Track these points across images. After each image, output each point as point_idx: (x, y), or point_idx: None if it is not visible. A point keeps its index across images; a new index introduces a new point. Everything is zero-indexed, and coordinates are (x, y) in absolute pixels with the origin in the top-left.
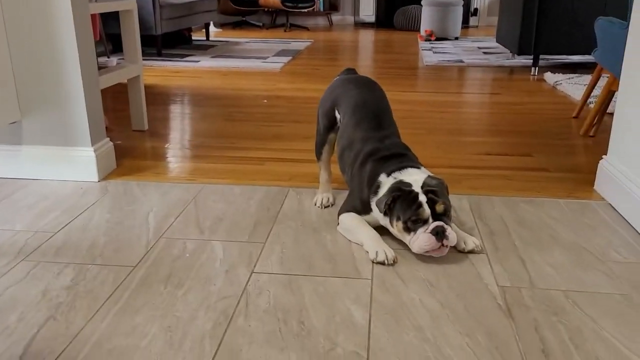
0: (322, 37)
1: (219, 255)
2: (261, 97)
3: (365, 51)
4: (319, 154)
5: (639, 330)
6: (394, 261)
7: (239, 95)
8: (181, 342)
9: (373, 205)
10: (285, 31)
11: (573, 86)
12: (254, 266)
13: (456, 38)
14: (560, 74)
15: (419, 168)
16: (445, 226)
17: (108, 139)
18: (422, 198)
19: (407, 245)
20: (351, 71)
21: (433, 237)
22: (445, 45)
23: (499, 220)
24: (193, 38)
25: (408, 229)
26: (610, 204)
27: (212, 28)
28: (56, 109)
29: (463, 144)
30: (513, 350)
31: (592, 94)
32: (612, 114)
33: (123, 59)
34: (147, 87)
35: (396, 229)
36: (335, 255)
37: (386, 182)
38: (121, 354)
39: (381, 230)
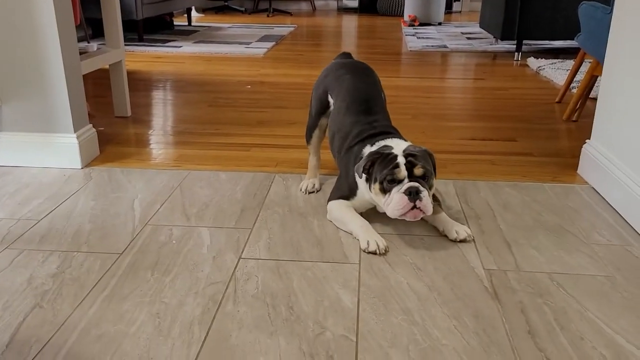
0: (305, 22)
1: (206, 241)
2: (245, 82)
3: (349, 36)
4: (309, 137)
5: (622, 311)
6: (385, 250)
7: (222, 81)
8: (170, 328)
9: (357, 180)
10: (268, 16)
11: (556, 71)
12: (242, 252)
13: (440, 23)
14: (543, 59)
15: (405, 140)
16: (421, 188)
17: (91, 125)
18: (401, 159)
19: (395, 230)
20: (347, 55)
21: (405, 197)
22: (429, 30)
23: (484, 204)
24: (175, 23)
25: (384, 190)
26: (593, 188)
27: (194, 13)
28: (37, 94)
29: (448, 129)
30: (500, 331)
31: (575, 79)
32: (594, 99)
33: (104, 44)
34: (129, 73)
35: (374, 192)
36: (322, 240)
37: (368, 151)
38: (110, 341)
39: (370, 217)
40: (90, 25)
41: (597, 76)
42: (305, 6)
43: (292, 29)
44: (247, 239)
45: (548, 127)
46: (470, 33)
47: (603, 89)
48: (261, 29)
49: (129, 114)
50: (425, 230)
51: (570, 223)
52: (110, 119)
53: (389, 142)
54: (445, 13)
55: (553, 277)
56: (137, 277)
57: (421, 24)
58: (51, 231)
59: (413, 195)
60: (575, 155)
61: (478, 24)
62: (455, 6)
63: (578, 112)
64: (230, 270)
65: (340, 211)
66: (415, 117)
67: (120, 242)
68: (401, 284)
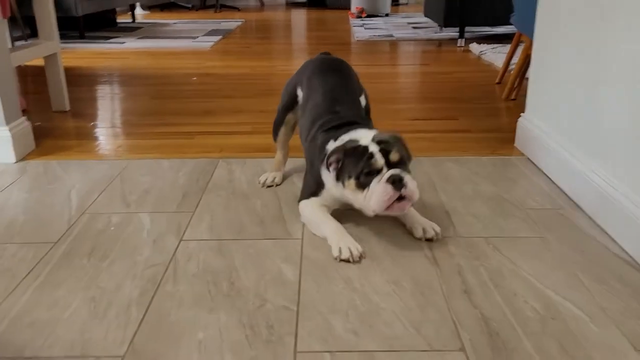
0: (254, 17)
1: (146, 226)
2: (190, 75)
3: (298, 29)
4: (275, 133)
5: (553, 268)
6: (360, 257)
7: (167, 74)
8: (106, 311)
9: (324, 177)
10: (215, 12)
11: (497, 55)
12: (183, 234)
13: (386, 15)
14: (485, 45)
15: (370, 129)
16: (403, 173)
17: (24, 118)
18: (374, 148)
19: (339, 205)
20: (326, 54)
21: (390, 186)
22: (376, 21)
23: (427, 178)
24: (118, 21)
25: (361, 185)
26: (528, 158)
27: (138, 10)
28: None
29: (393, 111)
30: (437, 292)
31: (512, 61)
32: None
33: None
34: (69, 69)
35: (349, 189)
36: (265, 218)
37: (333, 147)
38: (42, 327)
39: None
40: (28, 24)
41: (531, 55)
42: (253, 1)
43: (239, 23)
44: (189, 221)
45: (488, 106)
46: (416, 23)
47: (533, 64)
48: (208, 24)
49: (68, 108)
50: None
51: (506, 191)
52: (48, 114)
53: (352, 134)
54: (392, 5)
55: (489, 240)
56: (72, 264)
57: (368, 16)
58: None
59: (397, 183)
60: (513, 130)
61: (423, 14)
62: None
63: (516, 91)
64: (170, 253)
65: (312, 213)
66: (376, 102)
67: (55, 231)
68: None
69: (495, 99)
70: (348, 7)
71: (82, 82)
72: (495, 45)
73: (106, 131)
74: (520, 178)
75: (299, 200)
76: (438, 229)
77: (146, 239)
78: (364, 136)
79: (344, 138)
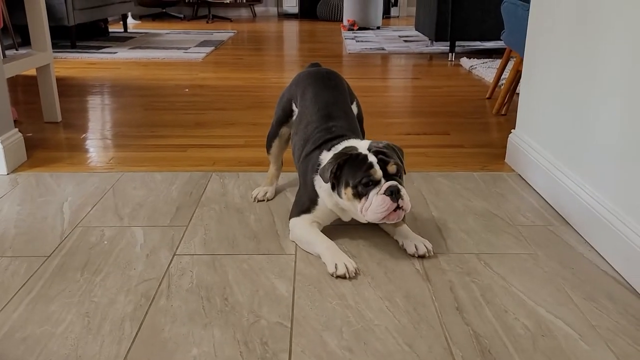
0: (245, 28)
1: (140, 240)
2: (182, 86)
3: (289, 41)
4: (269, 146)
5: (543, 285)
6: (355, 273)
7: (159, 85)
8: (100, 326)
9: (317, 188)
10: (207, 23)
11: (487, 70)
12: (176, 249)
13: (378, 28)
14: (476, 59)
15: (361, 139)
16: (399, 186)
17: (16, 129)
18: (372, 158)
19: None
20: (315, 65)
21: (387, 198)
22: (368, 34)
23: (418, 193)
24: (110, 30)
25: (359, 194)
26: (519, 174)
27: (130, 20)
28: None
29: (385, 125)
30: (429, 309)
31: (503, 76)
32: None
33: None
34: (61, 79)
35: (345, 197)
36: (259, 233)
37: (327, 156)
38: (35, 342)
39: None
40: (19, 32)
41: (521, 71)
42: (245, 12)
43: (232, 34)
44: (182, 236)
45: (479, 121)
46: (407, 36)
47: (524, 81)
48: (200, 35)
49: (60, 119)
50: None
51: (497, 207)
52: (40, 125)
53: (346, 143)
54: (383, 18)
55: (480, 257)
56: (65, 279)
57: (360, 29)
58: None
59: (395, 194)
60: (504, 146)
61: (414, 27)
62: (393, 11)
63: (506, 106)
64: (164, 267)
65: (303, 230)
66: (368, 115)
67: (47, 245)
68: None
69: (485, 114)
70: (340, 20)
71: (73, 92)
72: (486, 60)
73: (98, 143)
74: (511, 194)
75: (290, 218)
76: (430, 246)
77: (139, 253)
78: (359, 145)
79: (338, 147)
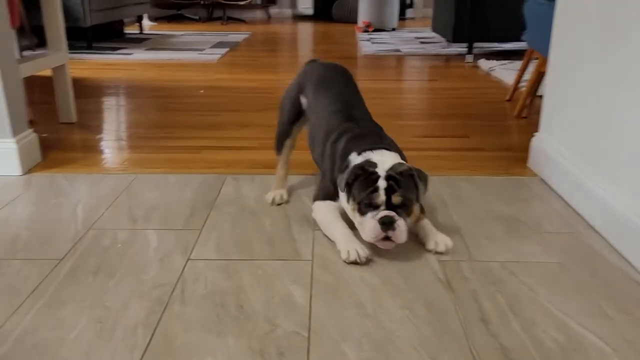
0: (260, 29)
1: (153, 243)
2: (197, 88)
3: (304, 42)
4: (280, 147)
5: (573, 295)
6: (367, 259)
7: (174, 86)
8: (112, 332)
9: (339, 186)
10: (222, 24)
11: (506, 71)
12: (190, 253)
13: (393, 29)
14: (494, 61)
15: (391, 152)
16: (396, 217)
17: (31, 130)
18: (382, 183)
19: (349, 224)
20: (314, 61)
21: (379, 226)
22: (383, 36)
23: (438, 197)
24: (126, 31)
25: (360, 211)
26: (542, 179)
27: (145, 21)
28: None
29: (402, 127)
30: (453, 320)
31: (523, 78)
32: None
33: None
34: (77, 80)
35: (350, 208)
36: (274, 238)
37: (356, 161)
38: (47, 348)
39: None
40: (36, 34)
41: (544, 73)
42: (260, 14)
43: (246, 35)
44: (196, 240)
45: (499, 124)
46: (423, 37)
47: (548, 82)
48: (215, 36)
49: (75, 119)
50: None
51: (521, 213)
52: (55, 125)
53: (375, 155)
54: (399, 19)
55: (505, 265)
56: (77, 282)
57: (375, 30)
58: None
59: (386, 225)
60: (525, 150)
61: (431, 29)
62: (409, 13)
63: (527, 109)
64: (177, 272)
65: (326, 214)
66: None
67: (60, 247)
68: (354, 278)
69: (506, 116)
70: (355, 21)
71: (89, 93)
72: (504, 62)
73: (113, 144)
74: (535, 199)
75: (315, 199)
76: (451, 244)
77: (153, 257)
78: (383, 162)
79: (366, 156)
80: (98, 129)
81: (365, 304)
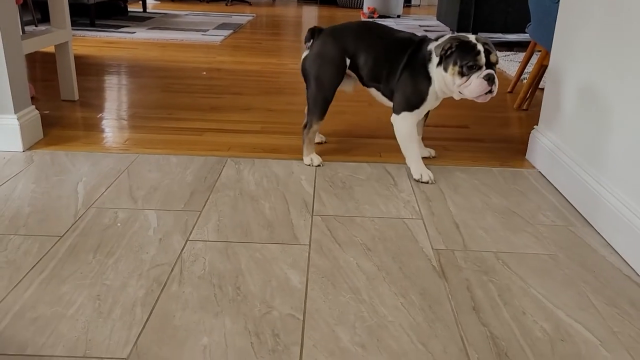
0: (264, 12)
1: (153, 224)
2: (200, 69)
3: (308, 26)
4: (323, 112)
5: (563, 287)
6: (434, 181)
7: (176, 67)
8: (111, 310)
9: (430, 72)
10: (227, 5)
11: (509, 63)
12: (189, 234)
13: (398, 16)
14: (498, 52)
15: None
16: (495, 74)
17: (33, 107)
18: (480, 47)
19: (346, 212)
20: (316, 29)
21: (485, 82)
22: (388, 22)
23: (435, 187)
24: (129, 9)
25: (462, 74)
26: (540, 172)
27: (149, 0)
28: None
29: None
30: (445, 307)
31: (525, 70)
32: (544, 89)
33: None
34: (79, 58)
35: (450, 73)
36: (273, 222)
37: (434, 45)
38: (45, 323)
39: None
40: (38, 9)
41: (546, 66)
42: None
43: (250, 18)
44: (196, 221)
45: (499, 116)
46: (427, 26)
47: (550, 76)
48: (219, 17)
49: (77, 97)
50: (377, 212)
51: (516, 205)
52: (57, 103)
53: (453, 34)
54: (404, 6)
55: (499, 255)
56: (77, 260)
57: (380, 16)
58: None
59: (491, 80)
60: (524, 142)
61: (435, 17)
62: (414, 0)
63: (528, 101)
64: (176, 252)
65: (408, 131)
66: (371, 105)
67: (61, 224)
68: (350, 264)
69: (506, 108)
70: (360, 7)
71: (91, 71)
72: (508, 53)
73: (114, 123)
74: (531, 192)
75: (400, 110)
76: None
77: (152, 237)
78: (468, 36)
79: (444, 37)
80: (100, 108)
81: (360, 289)
